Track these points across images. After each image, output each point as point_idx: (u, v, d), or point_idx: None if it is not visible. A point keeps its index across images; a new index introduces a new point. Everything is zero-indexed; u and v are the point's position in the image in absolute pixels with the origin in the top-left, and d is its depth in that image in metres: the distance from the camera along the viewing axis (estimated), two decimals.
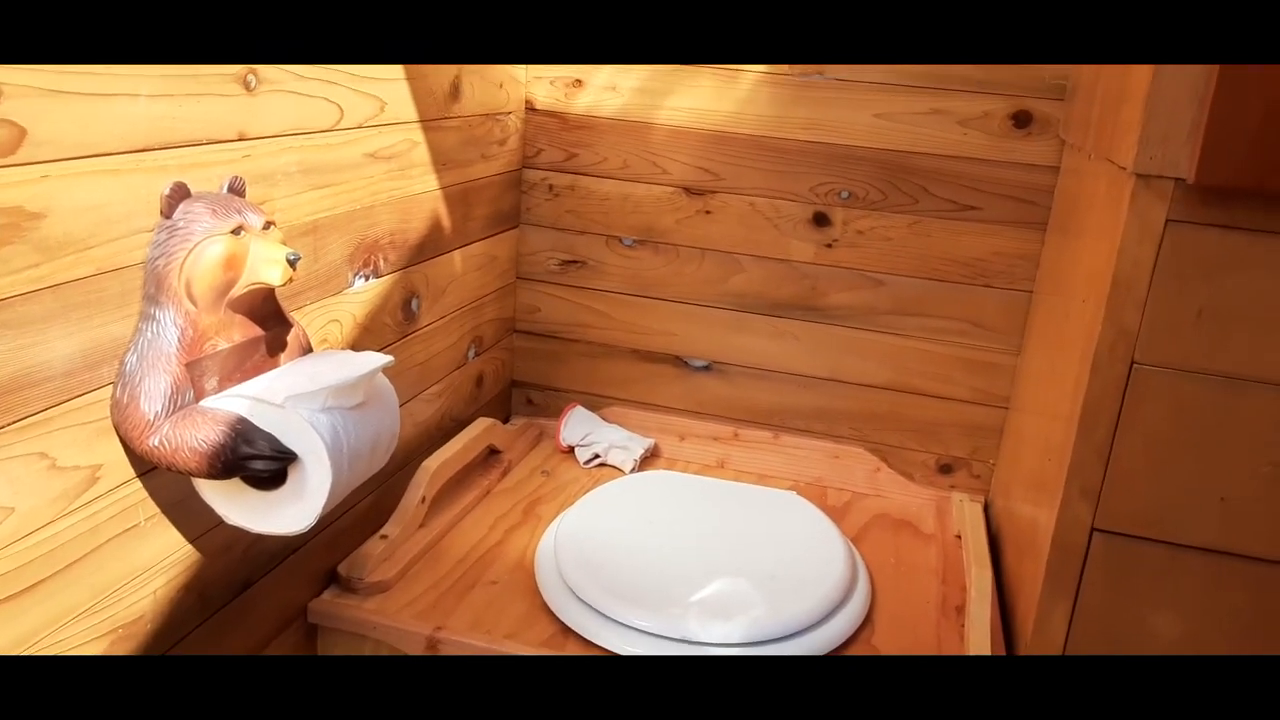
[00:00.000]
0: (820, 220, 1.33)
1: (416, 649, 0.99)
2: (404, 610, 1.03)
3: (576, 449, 1.42)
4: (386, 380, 0.81)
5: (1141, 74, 0.82)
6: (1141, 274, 0.84)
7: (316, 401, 0.71)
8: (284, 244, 0.74)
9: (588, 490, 1.32)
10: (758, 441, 1.43)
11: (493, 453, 1.36)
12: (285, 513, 0.72)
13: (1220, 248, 0.82)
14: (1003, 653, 1.00)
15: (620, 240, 1.41)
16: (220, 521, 0.82)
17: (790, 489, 1.35)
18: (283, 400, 0.69)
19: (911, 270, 1.32)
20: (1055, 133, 1.24)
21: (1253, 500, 0.86)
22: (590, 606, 1.01)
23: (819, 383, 1.39)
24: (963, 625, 1.05)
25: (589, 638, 0.99)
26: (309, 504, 0.71)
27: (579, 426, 1.44)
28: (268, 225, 0.74)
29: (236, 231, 0.70)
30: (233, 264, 0.70)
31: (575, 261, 1.44)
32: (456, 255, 1.24)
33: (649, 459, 1.42)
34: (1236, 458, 0.86)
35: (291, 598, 0.98)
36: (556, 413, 1.48)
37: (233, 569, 0.87)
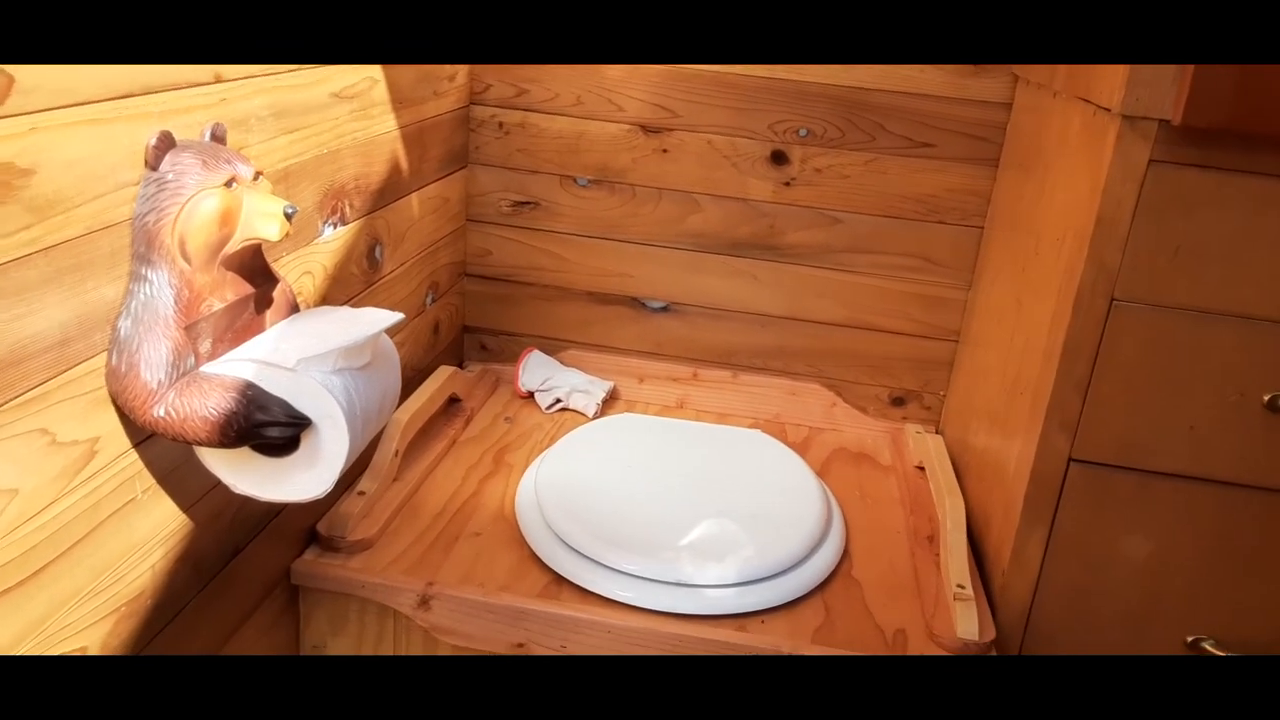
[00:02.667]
0: (778, 158, 1.33)
1: (409, 605, 0.98)
2: (391, 567, 1.01)
3: (536, 394, 1.40)
4: (388, 338, 0.77)
5: None
6: (1123, 213, 0.87)
7: (328, 363, 0.68)
8: (275, 196, 0.69)
9: (552, 436, 1.31)
10: (717, 381, 1.44)
11: (453, 401, 1.33)
12: (298, 479, 0.69)
13: (1199, 186, 0.85)
14: (979, 581, 1.04)
15: (575, 180, 1.38)
16: (212, 488, 0.79)
17: (751, 426, 1.37)
18: (295, 363, 0.66)
19: (867, 208, 1.33)
20: (1009, 70, 1.26)
21: (1220, 427, 0.92)
22: (582, 554, 1.01)
23: (777, 321, 1.40)
24: (936, 555, 1.09)
25: (584, 585, 0.99)
26: (325, 469, 0.68)
27: (537, 371, 1.42)
28: (257, 175, 0.69)
29: (229, 184, 0.66)
30: (228, 219, 0.66)
31: (528, 203, 1.40)
32: (414, 199, 1.19)
33: (609, 402, 1.42)
34: (1205, 388, 0.91)
35: (276, 561, 0.95)
36: (511, 358, 1.46)
37: (222, 536, 0.83)
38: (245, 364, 0.66)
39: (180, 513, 0.75)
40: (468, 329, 1.48)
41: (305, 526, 1.01)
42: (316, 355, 0.67)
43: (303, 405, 0.67)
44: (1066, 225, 0.95)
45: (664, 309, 1.43)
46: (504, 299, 1.45)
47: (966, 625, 0.96)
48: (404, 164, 1.14)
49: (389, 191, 1.10)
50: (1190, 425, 0.92)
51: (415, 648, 1.02)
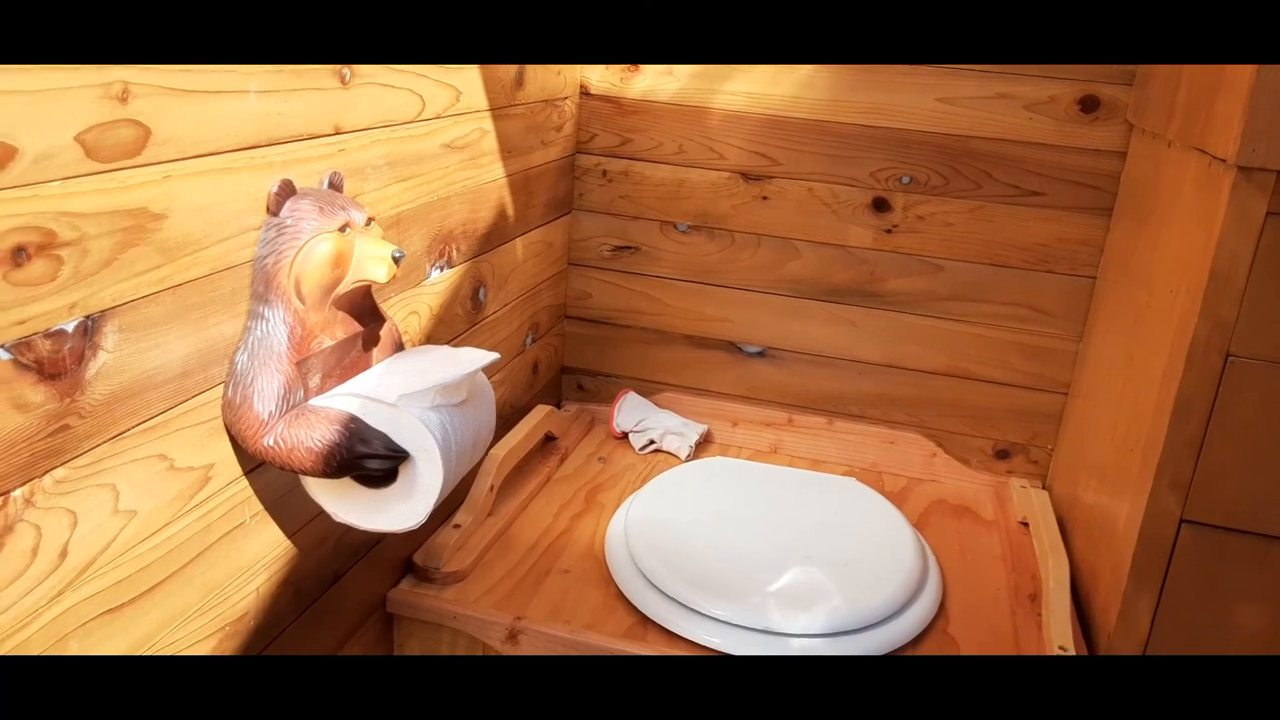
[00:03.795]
0: (880, 205, 1.32)
1: (497, 639, 1.00)
2: (482, 599, 1.03)
3: (631, 435, 1.42)
4: (484, 376, 0.80)
5: (1241, 65, 0.80)
6: (1240, 267, 0.83)
7: (426, 400, 0.70)
8: (385, 240, 0.73)
9: (644, 476, 1.32)
10: (811, 427, 1.42)
11: (549, 439, 1.36)
12: (395, 510, 0.72)
13: None
14: (1083, 643, 1.00)
15: (675, 226, 1.40)
16: (315, 516, 0.82)
17: (846, 474, 1.35)
18: (395, 399, 0.69)
19: (972, 256, 1.31)
20: (1123, 118, 1.22)
21: None
22: (669, 596, 1.01)
23: (875, 369, 1.39)
24: (1038, 614, 1.05)
25: (669, 628, 0.99)
26: (420, 501, 0.71)
27: (632, 412, 1.43)
28: (369, 221, 0.73)
29: (343, 229, 0.70)
30: (340, 262, 0.70)
31: (628, 247, 1.43)
32: (518, 243, 1.23)
33: (702, 445, 1.42)
34: None
35: (373, 589, 0.98)
36: (607, 399, 1.48)
37: (324, 562, 0.87)
38: (349, 398, 0.70)
39: (285, 539, 0.79)
40: (566, 369, 1.51)
41: (403, 557, 1.05)
42: (416, 392, 0.70)
43: (401, 439, 0.69)
44: (1180, 278, 0.92)
45: (760, 354, 1.43)
46: (602, 341, 1.48)
47: None
48: (510, 210, 1.18)
49: (494, 236, 1.14)
50: None
51: None
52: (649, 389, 1.48)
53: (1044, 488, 1.35)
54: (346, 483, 0.71)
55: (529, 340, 1.33)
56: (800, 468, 1.37)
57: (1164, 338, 0.94)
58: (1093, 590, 1.05)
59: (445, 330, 1.05)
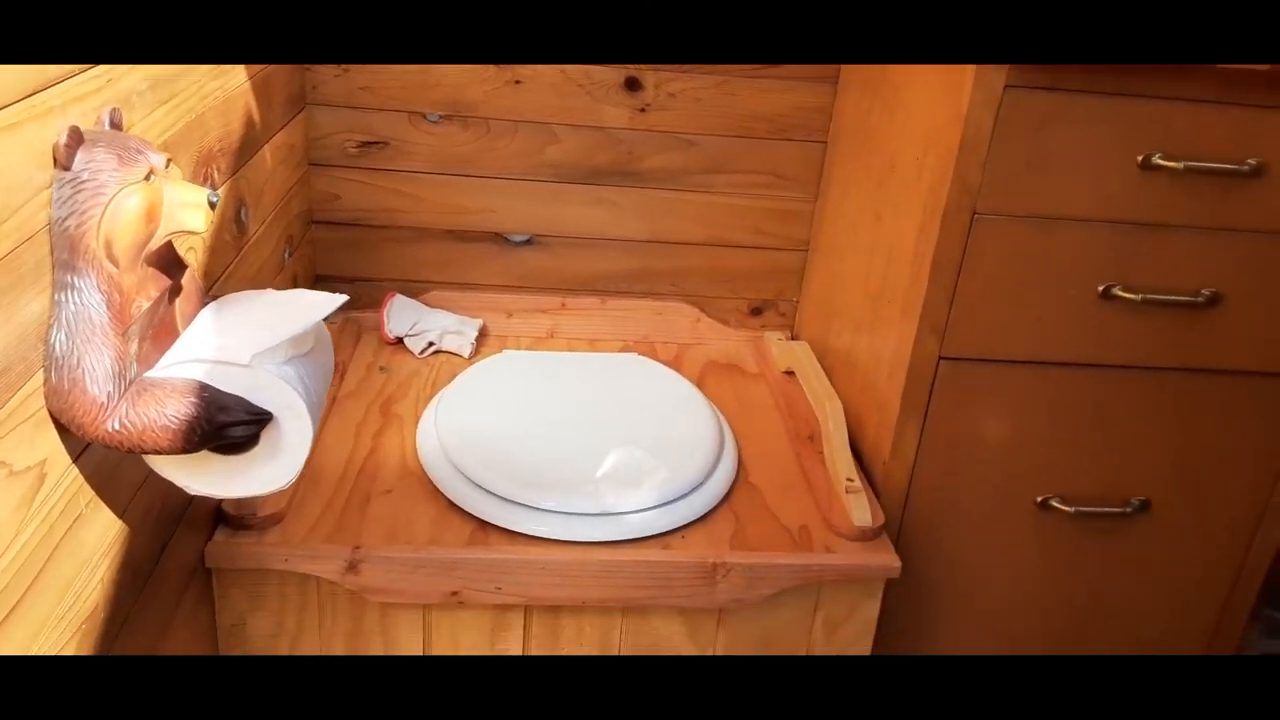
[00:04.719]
0: (632, 85, 1.34)
1: (335, 571, 0.97)
2: (310, 536, 0.99)
3: (407, 339, 1.38)
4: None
5: None
6: (983, 136, 0.96)
7: (280, 354, 0.65)
8: (192, 184, 0.65)
9: (433, 381, 1.30)
10: (585, 308, 1.46)
11: None
12: (260, 473, 0.67)
13: (1046, 106, 0.95)
14: (861, 473, 1.15)
15: (425, 116, 1.34)
16: (139, 487, 0.75)
17: (622, 349, 1.42)
18: (249, 359, 0.63)
19: (720, 130, 1.38)
20: None
21: (1061, 318, 1.05)
22: (506, 499, 1.03)
23: (639, 245, 1.44)
24: (820, 453, 1.19)
25: (512, 528, 1.02)
26: (289, 460, 0.67)
27: (403, 316, 1.39)
28: (168, 163, 0.64)
29: (148, 177, 0.61)
30: (152, 214, 0.61)
31: (375, 142, 1.35)
32: (266, 152, 1.13)
33: (480, 339, 1.42)
34: (1050, 285, 1.03)
35: (193, 548, 0.92)
36: (372, 305, 1.42)
37: (150, 534, 0.79)
38: (194, 365, 0.63)
39: (117, 520, 0.71)
40: (321, 278, 1.42)
41: (211, 509, 0.97)
42: (269, 348, 0.64)
43: (262, 400, 0.65)
44: (927, 148, 1.03)
45: (527, 242, 1.43)
46: (357, 244, 1.41)
47: (860, 514, 1.06)
48: (256, 117, 1.07)
49: (247, 149, 1.04)
50: (1037, 318, 1.05)
51: (341, 612, 1.01)
52: (415, 289, 1.43)
53: (793, 337, 1.49)
54: (203, 454, 0.65)
55: (287, 255, 1.24)
56: (579, 348, 1.41)
57: (915, 201, 1.06)
58: (861, 426, 1.20)
59: (217, 261, 0.96)
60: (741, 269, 1.47)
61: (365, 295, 1.43)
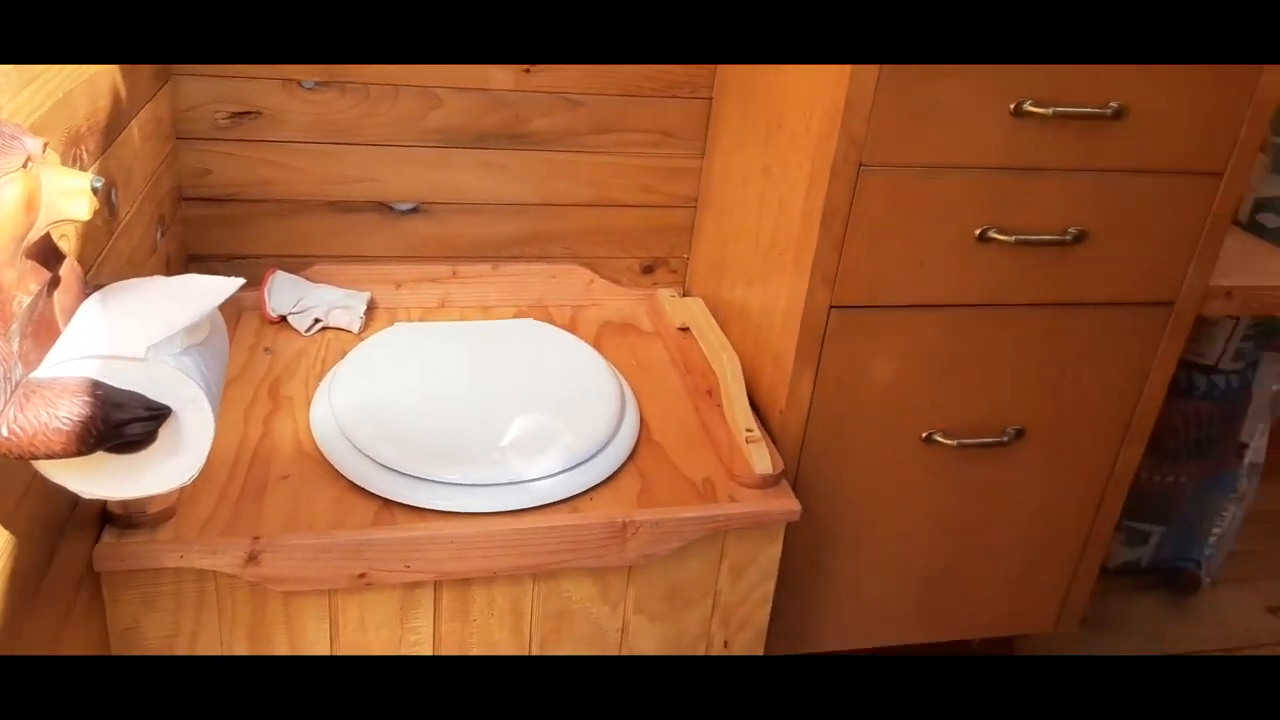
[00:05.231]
0: None
1: (236, 564, 0.94)
2: (205, 531, 0.96)
3: (291, 317, 1.33)
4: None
5: None
6: (867, 90, 0.98)
7: (176, 345, 0.63)
8: (72, 169, 0.61)
9: (322, 359, 1.27)
10: (476, 276, 1.44)
11: None
12: (161, 470, 0.64)
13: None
14: (759, 423, 1.18)
15: (299, 83, 1.29)
16: (22, 494, 0.71)
17: (516, 315, 1.41)
18: (145, 352, 0.60)
19: (606, 89, 1.37)
20: None
21: (942, 262, 1.09)
22: (409, 475, 1.02)
23: (529, 209, 1.43)
24: (719, 406, 1.21)
25: (418, 504, 1.01)
26: (191, 455, 0.64)
27: (285, 293, 1.35)
28: (45, 147, 0.60)
29: (25, 164, 0.57)
30: (32, 204, 0.58)
31: (247, 113, 1.29)
32: (134, 128, 1.06)
33: (369, 312, 1.38)
34: (931, 230, 1.07)
35: (82, 553, 0.87)
36: (253, 283, 1.37)
37: (38, 541, 0.75)
38: (85, 361, 0.60)
39: (3, 530, 0.68)
40: (194, 258, 1.36)
41: (97, 510, 0.93)
42: (164, 339, 0.62)
43: (160, 394, 0.62)
44: (813, 105, 1.06)
45: (413, 210, 1.40)
46: (232, 221, 1.35)
47: (761, 463, 1.09)
48: (123, 91, 1.00)
49: (114, 126, 0.98)
50: (920, 263, 1.09)
51: (241, 606, 0.99)
52: (296, 264, 1.39)
53: (685, 294, 1.51)
54: (98, 455, 0.62)
55: (159, 236, 1.18)
56: (474, 318, 1.40)
57: (803, 154, 1.08)
58: (756, 376, 1.23)
59: (92, 247, 0.90)
60: (632, 228, 1.47)
61: (244, 273, 1.36)
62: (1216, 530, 1.57)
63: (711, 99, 1.40)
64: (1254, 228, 1.44)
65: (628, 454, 1.12)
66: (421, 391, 1.14)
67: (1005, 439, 1.21)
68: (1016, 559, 1.32)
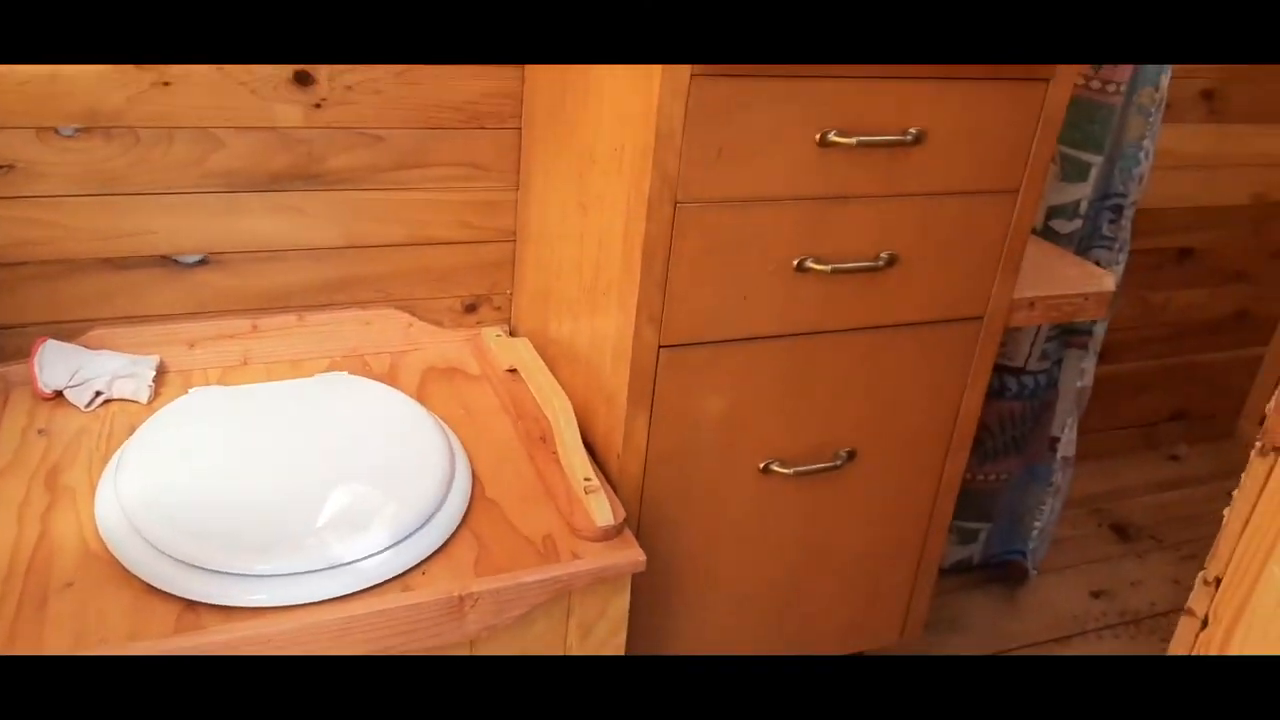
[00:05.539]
0: (303, 79, 1.22)
1: None
2: None
3: (68, 391, 1.19)
4: None
5: None
6: (676, 127, 0.95)
7: None
8: None
9: (108, 439, 1.13)
10: (281, 328, 1.33)
11: None
12: None
13: (732, 92, 0.96)
14: (597, 469, 1.14)
15: (56, 131, 1.14)
16: None
17: (330, 368, 1.31)
18: None
19: (408, 122, 1.29)
20: None
21: (764, 294, 1.08)
22: (214, 570, 0.91)
23: (334, 252, 1.33)
24: (554, 453, 1.16)
25: (227, 602, 0.91)
26: None
27: (59, 364, 1.20)
28: None
29: None
30: None
31: None
32: None
33: (161, 378, 1.25)
34: (751, 264, 1.06)
35: None
36: (20, 356, 1.21)
37: None
38: None
39: None
40: None
41: None
42: None
43: None
44: (623, 140, 1.02)
45: (202, 261, 1.27)
46: None
47: (603, 515, 1.05)
48: None
49: None
50: (744, 296, 1.08)
51: None
52: (71, 331, 1.24)
53: (512, 331, 1.45)
54: None
55: None
56: (281, 374, 1.29)
57: (619, 190, 1.05)
58: (591, 418, 1.19)
59: None
60: (450, 266, 1.40)
61: (9, 346, 1.22)
62: (1038, 524, 1.65)
63: (520, 129, 1.35)
64: (1047, 234, 1.51)
65: (460, 518, 1.05)
66: (223, 469, 1.04)
67: (839, 462, 1.22)
68: (860, 575, 1.34)
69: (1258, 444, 0.45)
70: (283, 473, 1.04)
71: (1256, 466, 0.45)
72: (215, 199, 1.24)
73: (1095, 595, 1.73)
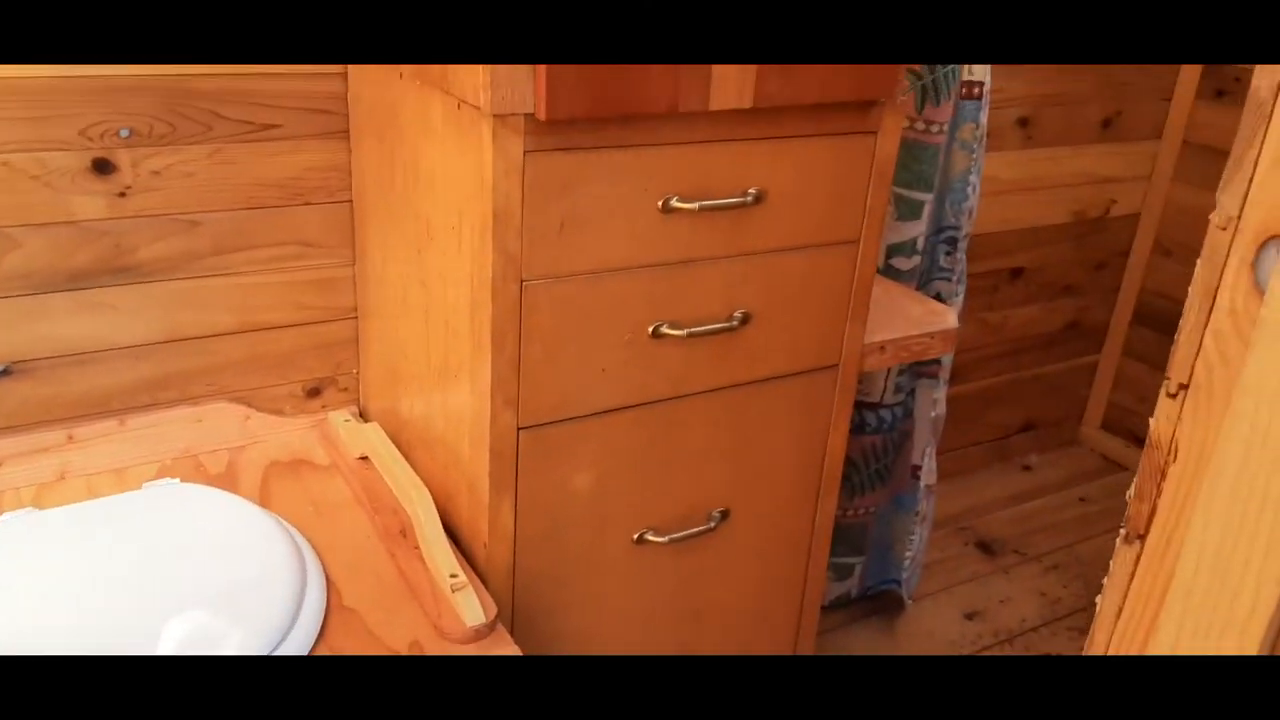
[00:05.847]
0: (103, 167, 1.12)
1: None
2: None
3: None
4: None
5: None
6: (514, 204, 0.92)
7: None
8: None
9: None
10: (100, 435, 1.22)
11: None
12: None
13: (567, 167, 0.93)
14: (462, 562, 1.08)
15: None
16: None
17: (161, 475, 1.20)
18: None
19: (225, 204, 1.20)
20: None
21: (623, 364, 1.05)
22: None
23: (154, 348, 1.22)
24: (416, 548, 1.10)
25: None
26: None
27: None
28: None
29: None
30: None
31: None
32: None
33: None
34: (607, 336, 1.03)
35: None
36: None
37: None
38: None
39: None
40: None
41: None
42: None
43: None
44: (460, 215, 0.97)
45: (4, 372, 1.15)
46: None
47: (472, 614, 0.99)
48: None
49: None
50: (602, 369, 1.04)
51: None
52: None
53: (361, 413, 1.37)
54: None
55: None
56: (104, 489, 1.18)
57: (460, 270, 1.00)
58: (453, 506, 1.13)
59: None
60: (287, 350, 1.31)
61: None
62: (909, 554, 1.68)
63: (351, 201, 1.28)
64: (889, 271, 1.54)
65: (315, 634, 0.97)
66: (42, 605, 0.92)
67: (712, 523, 1.19)
68: (745, 628, 1.32)
69: (1121, 532, 0.45)
70: (110, 606, 0.94)
71: (1123, 554, 0.44)
72: (12, 303, 1.12)
73: (969, 617, 1.77)
